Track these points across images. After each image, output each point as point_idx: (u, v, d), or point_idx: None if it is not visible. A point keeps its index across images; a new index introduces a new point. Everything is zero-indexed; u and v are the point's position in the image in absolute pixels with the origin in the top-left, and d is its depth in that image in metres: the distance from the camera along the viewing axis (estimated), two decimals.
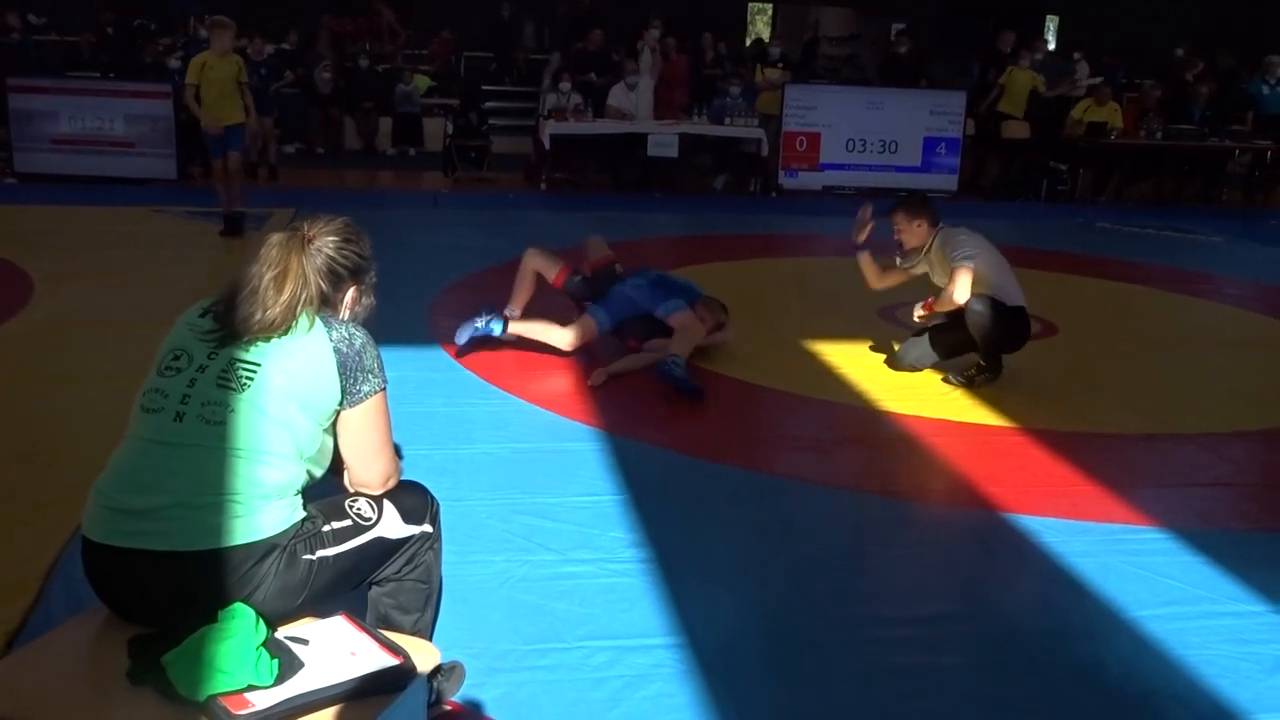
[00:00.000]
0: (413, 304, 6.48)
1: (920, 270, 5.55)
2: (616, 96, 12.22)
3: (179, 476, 2.06)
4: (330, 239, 2.32)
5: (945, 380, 5.40)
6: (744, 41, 18.25)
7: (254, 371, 2.11)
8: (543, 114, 12.30)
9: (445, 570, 2.54)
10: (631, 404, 4.98)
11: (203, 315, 2.22)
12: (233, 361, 2.12)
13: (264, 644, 1.97)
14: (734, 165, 12.68)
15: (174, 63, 12.09)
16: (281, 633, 2.07)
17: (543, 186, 12.03)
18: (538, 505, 3.80)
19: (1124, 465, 4.47)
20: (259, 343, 2.13)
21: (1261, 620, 3.22)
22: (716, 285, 7.73)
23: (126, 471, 2.11)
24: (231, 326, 2.15)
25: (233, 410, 2.08)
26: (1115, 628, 3.16)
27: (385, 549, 2.30)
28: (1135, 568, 3.51)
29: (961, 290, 5.12)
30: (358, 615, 2.23)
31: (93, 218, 9.26)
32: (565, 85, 12.20)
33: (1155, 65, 15.20)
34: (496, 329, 5.47)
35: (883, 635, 3.09)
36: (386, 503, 2.33)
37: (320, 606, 2.19)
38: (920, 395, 5.23)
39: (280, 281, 2.17)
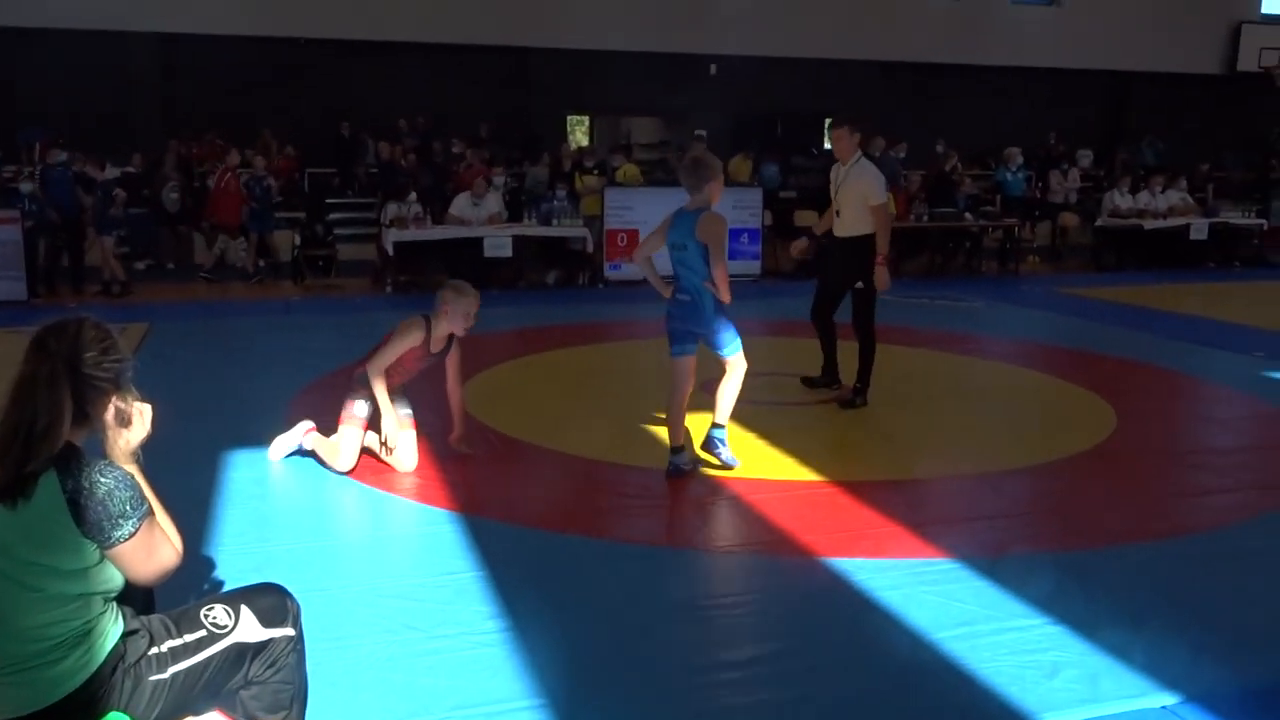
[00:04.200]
0: (270, 405, 6.29)
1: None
2: (459, 206, 12.25)
3: None
4: (88, 353, 2.05)
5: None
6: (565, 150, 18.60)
7: None
8: (384, 223, 12.22)
9: (316, 656, 2.47)
10: (481, 486, 4.95)
11: None
12: None
13: None
14: (564, 261, 12.85)
15: (25, 186, 11.49)
16: None
17: (388, 289, 11.91)
18: (401, 587, 3.73)
19: (918, 506, 4.70)
20: None
21: (1041, 631, 3.42)
22: (553, 372, 7.82)
23: None
24: None
25: None
26: (919, 650, 3.31)
27: (243, 654, 2.19)
28: (934, 595, 3.69)
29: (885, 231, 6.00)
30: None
31: None
32: (411, 198, 12.21)
33: (919, 158, 16.18)
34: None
35: (721, 678, 3.15)
36: (243, 607, 2.22)
37: (189, 712, 2.10)
38: (740, 458, 5.33)
39: (22, 423, 1.92)
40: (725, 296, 4.84)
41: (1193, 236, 14.44)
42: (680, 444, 5.04)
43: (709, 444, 5.11)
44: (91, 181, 11.77)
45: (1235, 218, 15.07)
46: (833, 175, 6.40)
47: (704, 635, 3.46)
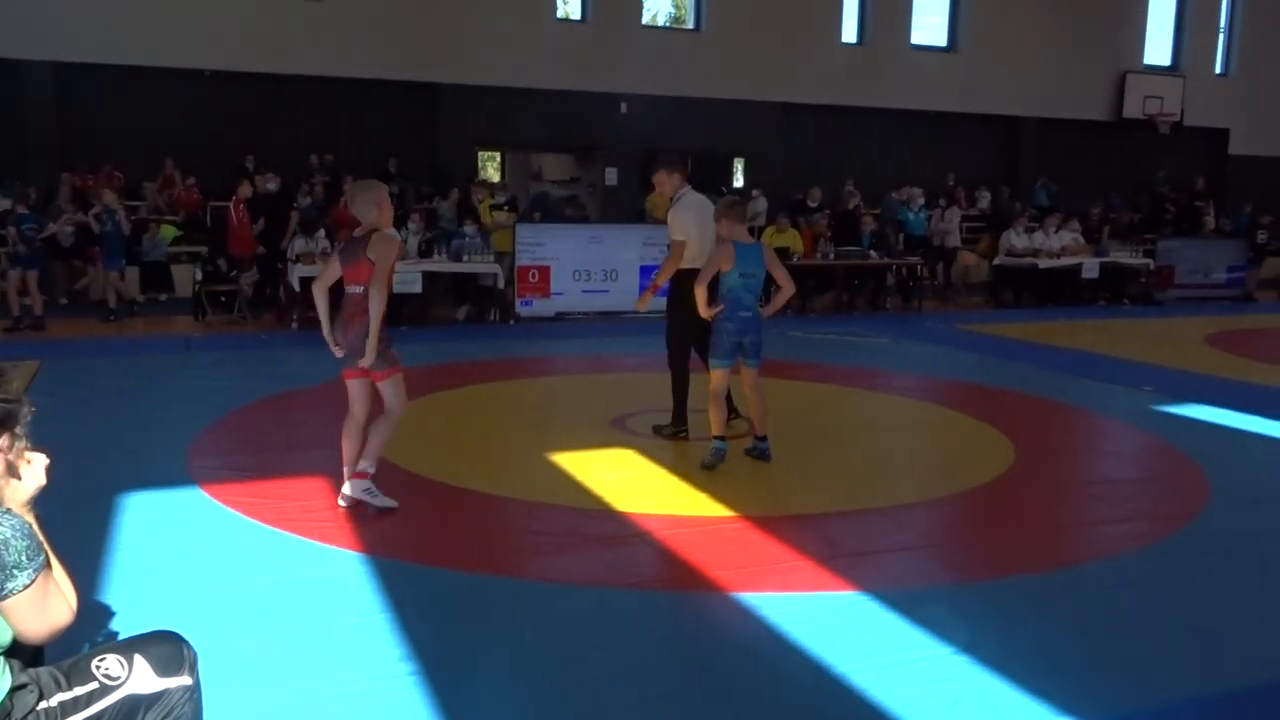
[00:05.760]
0: (169, 447, 6.12)
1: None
2: None
3: None
4: None
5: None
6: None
7: None
8: (290, 258, 12.02)
9: (214, 705, 2.40)
10: (388, 526, 4.88)
11: None
12: None
13: None
14: (474, 297, 12.80)
15: None
16: None
17: (294, 326, 11.69)
18: (306, 631, 3.65)
19: (825, 539, 4.77)
20: None
21: (944, 661, 3.51)
22: (463, 409, 7.75)
23: None
24: None
25: None
26: (825, 682, 3.36)
27: (137, 705, 2.12)
28: (840, 628, 3.75)
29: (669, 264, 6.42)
30: None
31: None
32: (320, 234, 12.05)
33: (826, 199, 16.57)
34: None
35: (633, 716, 3.15)
36: (137, 656, 2.15)
37: None
38: (651, 495, 5.40)
39: None
40: (770, 311, 5.98)
41: (1085, 275, 15.06)
42: (724, 435, 5.94)
43: (761, 455, 6.00)
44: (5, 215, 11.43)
45: (1124, 257, 15.76)
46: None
47: (616, 672, 3.46)
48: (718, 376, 5.94)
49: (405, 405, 5.07)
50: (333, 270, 5.07)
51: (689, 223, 6.30)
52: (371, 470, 5.00)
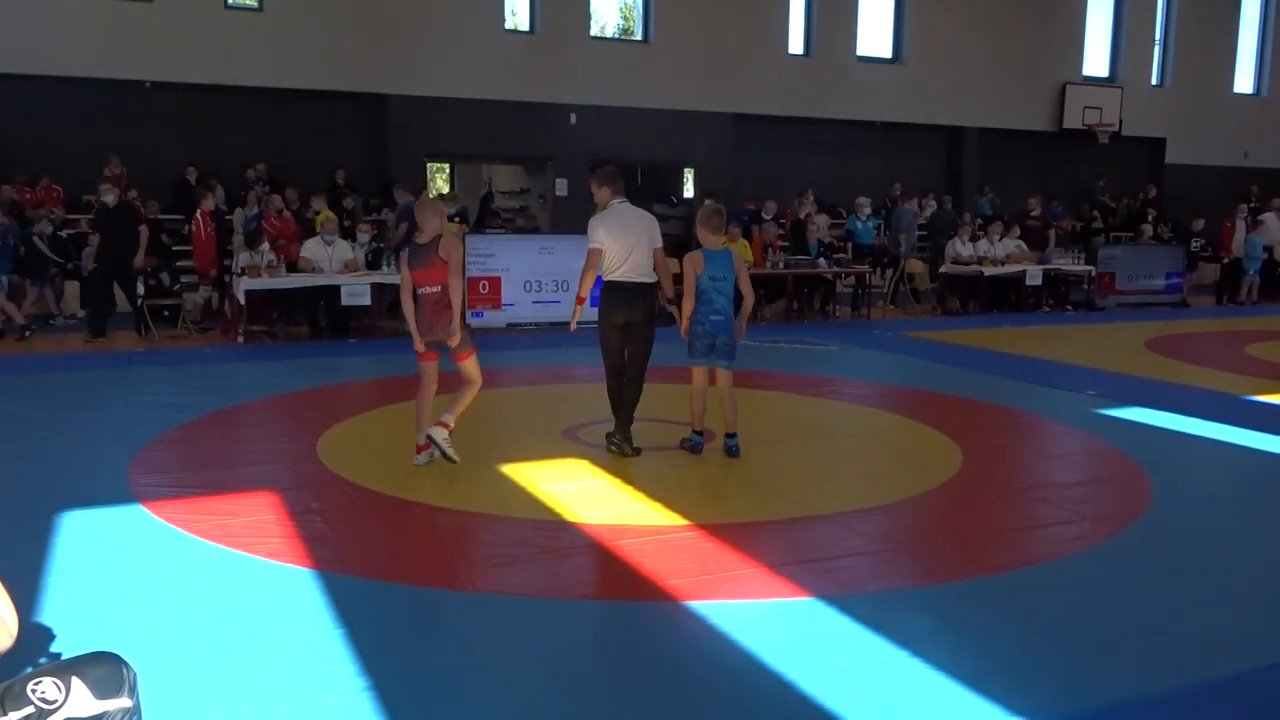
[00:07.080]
0: (110, 464, 6.00)
1: None
2: (311, 249, 11.99)
3: None
4: None
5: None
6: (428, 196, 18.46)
7: None
8: (236, 271, 11.85)
9: None
10: (337, 541, 4.82)
11: None
12: None
13: None
14: None
15: None
16: None
17: (240, 340, 11.52)
18: (253, 648, 3.59)
19: (776, 546, 4.79)
20: None
21: (898, 666, 3.53)
22: (412, 422, 7.67)
23: None
24: None
25: None
26: (778, 688, 3.36)
27: None
28: (791, 634, 3.76)
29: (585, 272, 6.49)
30: None
31: None
32: (265, 247, 11.88)
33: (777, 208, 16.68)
34: None
35: None
36: (75, 679, 2.10)
37: None
38: (603, 505, 5.39)
39: None
40: (747, 309, 6.52)
41: (1029, 282, 15.32)
42: (702, 429, 6.49)
43: (732, 452, 6.38)
44: None
45: (1066, 264, 16.05)
46: None
47: (569, 684, 3.44)
48: (696, 374, 6.44)
49: (481, 376, 6.15)
50: (406, 277, 6.04)
51: (598, 230, 6.40)
52: (452, 423, 5.94)
